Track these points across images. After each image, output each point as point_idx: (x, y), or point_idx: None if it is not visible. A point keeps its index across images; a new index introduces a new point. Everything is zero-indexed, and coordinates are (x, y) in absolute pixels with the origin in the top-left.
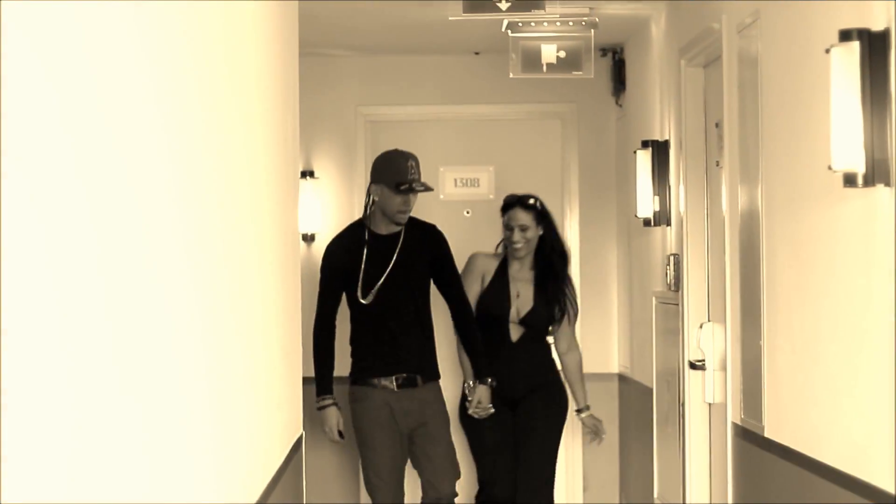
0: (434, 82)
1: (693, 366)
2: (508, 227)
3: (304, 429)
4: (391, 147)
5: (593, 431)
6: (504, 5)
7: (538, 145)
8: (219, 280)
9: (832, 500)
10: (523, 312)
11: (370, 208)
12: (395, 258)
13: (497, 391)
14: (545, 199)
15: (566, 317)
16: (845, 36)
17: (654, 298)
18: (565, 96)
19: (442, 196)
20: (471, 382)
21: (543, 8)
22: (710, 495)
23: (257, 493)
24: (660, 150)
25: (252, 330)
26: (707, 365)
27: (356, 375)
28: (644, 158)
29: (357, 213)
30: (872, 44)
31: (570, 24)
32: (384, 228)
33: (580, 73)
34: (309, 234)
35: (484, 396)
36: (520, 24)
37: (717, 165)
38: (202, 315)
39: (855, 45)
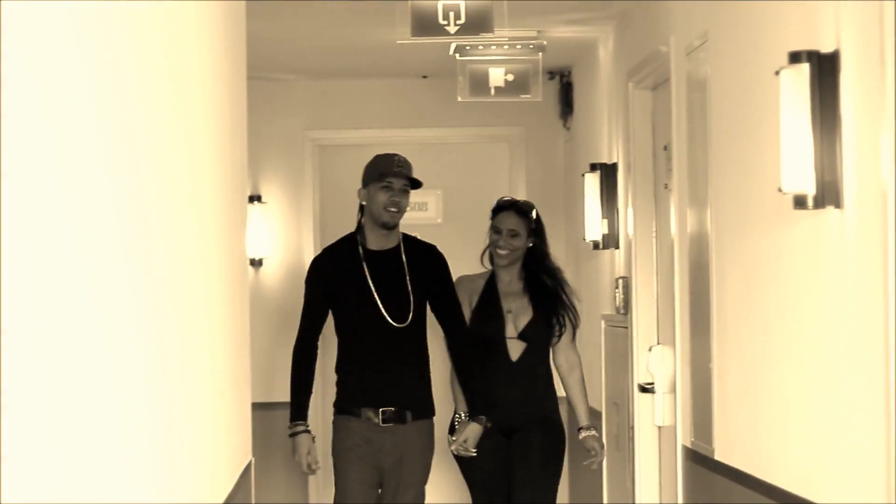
0: (382, 106)
1: (643, 389)
2: (496, 231)
3: (253, 455)
4: (339, 170)
5: (594, 451)
6: (452, 28)
7: (486, 169)
8: (163, 304)
9: None
10: (521, 325)
11: (360, 221)
12: (398, 275)
13: (493, 418)
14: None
15: (566, 329)
16: (795, 58)
17: (602, 321)
18: (513, 119)
19: None
20: (463, 415)
21: (492, 31)
22: None
23: None
24: (608, 173)
25: (198, 355)
26: (657, 388)
27: (340, 404)
28: (592, 181)
29: (306, 239)
30: (822, 65)
31: (518, 47)
32: (375, 242)
33: (528, 96)
34: (257, 259)
35: (472, 436)
36: (468, 48)
37: (666, 188)
38: (144, 340)
39: (804, 67)
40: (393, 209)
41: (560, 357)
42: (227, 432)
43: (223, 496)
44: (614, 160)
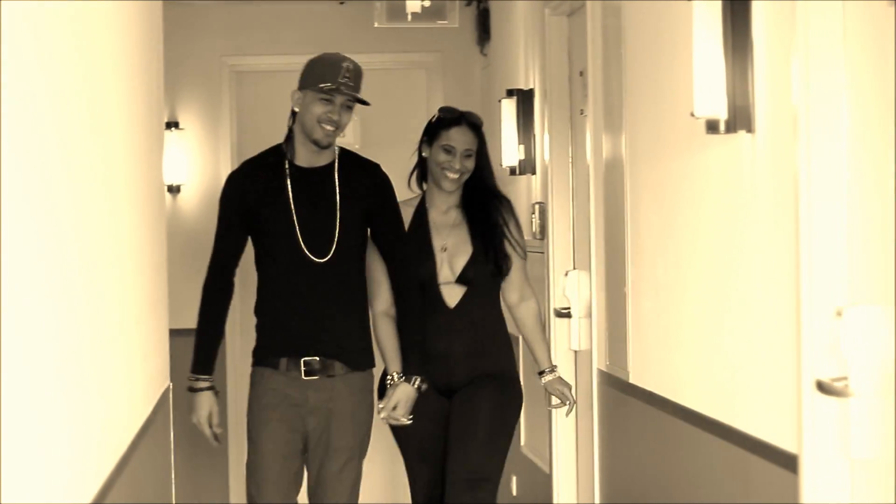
0: (299, 31)
1: (559, 313)
2: (447, 150)
3: (172, 381)
4: (256, 96)
5: (560, 397)
6: None
7: (404, 95)
8: (67, 228)
9: (697, 445)
10: (459, 266)
11: (291, 129)
12: (327, 200)
13: (430, 377)
14: (409, 149)
15: (516, 264)
16: None
17: None
18: (430, 46)
19: None
20: (395, 376)
21: None
22: (577, 441)
23: (124, 444)
24: (524, 100)
25: (109, 280)
26: (573, 312)
27: (257, 354)
28: (509, 107)
29: (223, 166)
30: None
31: None
32: (305, 158)
33: (445, 22)
34: (174, 185)
35: (404, 400)
36: None
37: (582, 114)
38: (51, 264)
39: None
40: (329, 126)
41: (512, 294)
42: (143, 357)
43: (141, 420)
44: (531, 86)
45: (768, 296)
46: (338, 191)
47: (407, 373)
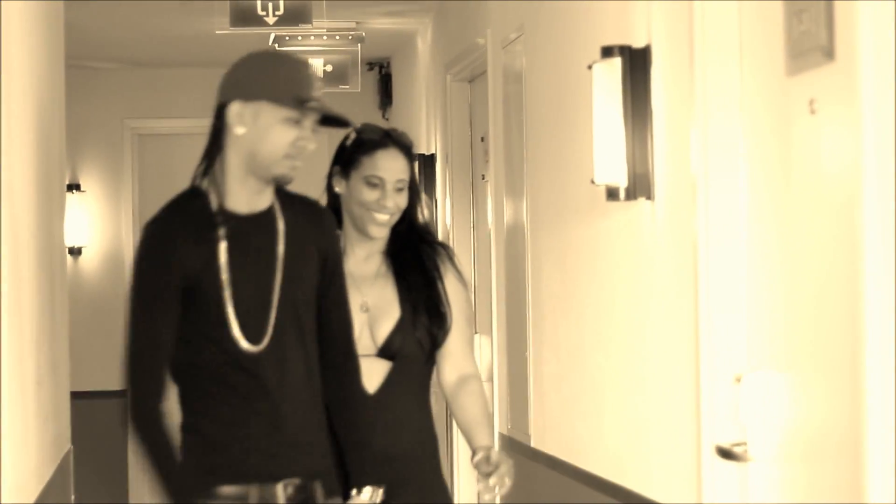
0: (202, 95)
1: None
2: (371, 184)
3: (72, 444)
4: (158, 159)
5: (498, 475)
6: (271, 19)
7: (306, 159)
8: None
9: None
10: (381, 336)
11: (216, 159)
12: (279, 258)
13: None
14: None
15: (454, 327)
16: (607, 52)
17: None
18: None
19: None
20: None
21: (310, 22)
22: None
23: None
24: (426, 164)
25: (12, 343)
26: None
27: (195, 479)
28: None
29: (125, 228)
30: (633, 60)
31: (337, 38)
32: (243, 201)
33: (347, 86)
34: (76, 247)
35: None
36: (287, 38)
37: (483, 179)
38: None
39: (617, 62)
40: (295, 158)
41: (450, 373)
42: (44, 420)
43: (41, 483)
44: (432, 151)
45: (669, 361)
46: (293, 240)
47: (361, 480)
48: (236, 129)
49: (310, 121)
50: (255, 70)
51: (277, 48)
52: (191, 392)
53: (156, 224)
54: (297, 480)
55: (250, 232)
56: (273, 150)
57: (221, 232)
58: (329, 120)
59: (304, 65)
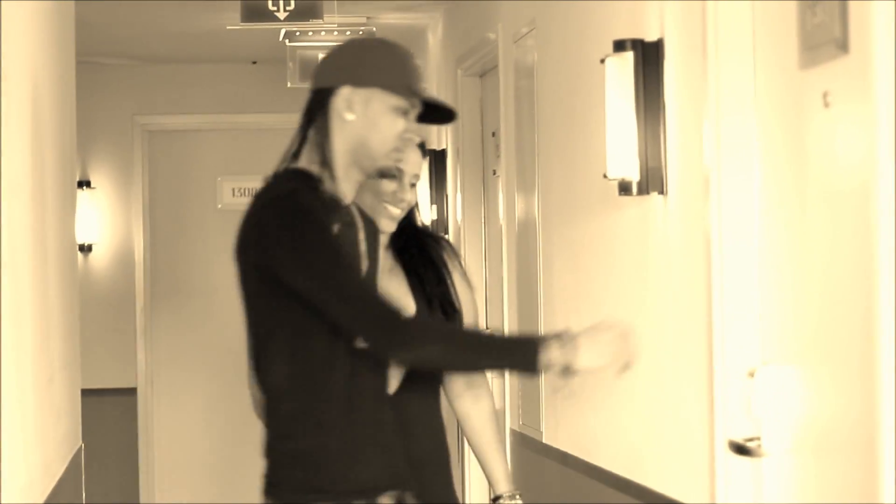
0: (211, 91)
1: None
2: (389, 174)
3: (83, 441)
4: (168, 156)
5: None
6: (282, 15)
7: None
8: None
9: (608, 503)
10: None
11: (324, 145)
12: (363, 254)
13: None
14: None
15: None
16: (619, 46)
17: None
18: None
19: (219, 205)
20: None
21: (321, 17)
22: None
23: (38, 502)
24: (437, 160)
25: (24, 340)
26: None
27: (303, 485)
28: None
29: (135, 225)
30: (646, 54)
31: (348, 33)
32: (349, 191)
33: None
34: (86, 244)
35: None
36: (297, 34)
37: (494, 174)
38: None
39: (629, 56)
40: (400, 151)
41: (457, 379)
42: (55, 418)
43: (53, 481)
44: (443, 146)
45: (681, 356)
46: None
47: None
48: (346, 114)
49: (414, 113)
50: (366, 56)
51: (289, 43)
52: (320, 377)
53: (296, 195)
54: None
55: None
56: (383, 140)
57: (349, 218)
58: (428, 116)
59: (411, 56)
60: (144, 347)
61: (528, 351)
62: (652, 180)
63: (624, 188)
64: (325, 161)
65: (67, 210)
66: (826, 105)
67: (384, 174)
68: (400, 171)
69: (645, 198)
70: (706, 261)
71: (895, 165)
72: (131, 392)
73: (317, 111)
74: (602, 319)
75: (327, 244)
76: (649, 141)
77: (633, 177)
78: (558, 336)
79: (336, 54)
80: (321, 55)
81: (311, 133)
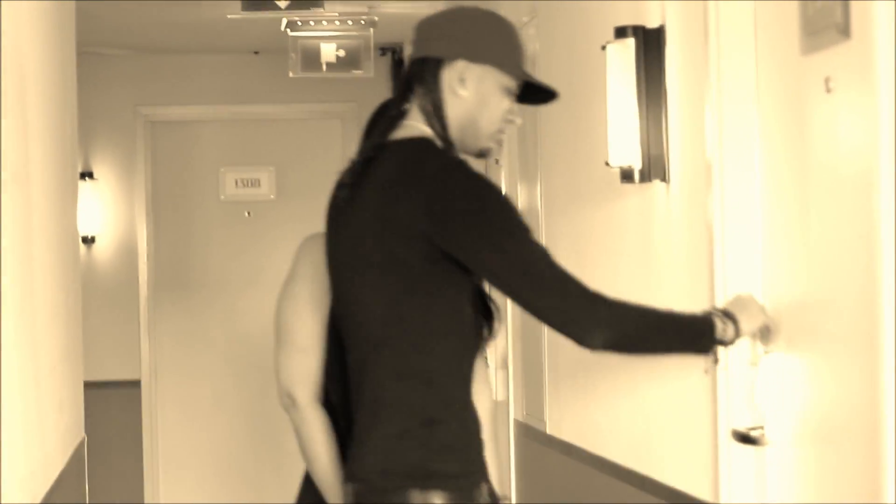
0: (214, 82)
1: None
2: (484, 155)
3: (86, 433)
4: (171, 147)
5: None
6: (283, 3)
7: (319, 145)
8: None
9: (614, 495)
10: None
11: (443, 119)
12: None
13: None
14: (323, 199)
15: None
16: (620, 33)
17: None
18: (346, 96)
19: (222, 197)
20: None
21: (322, 6)
22: None
23: (38, 496)
24: None
25: (25, 331)
26: (489, 363)
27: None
28: None
29: (138, 217)
30: (647, 40)
31: (350, 23)
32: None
33: (360, 72)
34: (89, 236)
35: None
36: (299, 23)
37: (497, 163)
38: None
39: (630, 42)
40: (502, 132)
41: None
42: (58, 409)
43: (55, 473)
44: None
45: None
46: None
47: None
48: (459, 89)
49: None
50: (481, 30)
51: (290, 33)
52: (457, 373)
53: (468, 165)
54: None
55: None
56: (491, 120)
57: None
58: (525, 96)
59: (519, 33)
60: (148, 339)
61: (706, 332)
62: (654, 168)
63: (626, 176)
64: (445, 136)
65: (69, 201)
66: (828, 91)
67: (482, 154)
68: (492, 152)
69: (647, 185)
70: (709, 248)
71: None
72: (135, 384)
73: (423, 80)
74: (735, 293)
75: (521, 224)
76: (651, 128)
77: (636, 164)
78: (717, 312)
79: (446, 23)
80: (323, 45)
81: (417, 102)
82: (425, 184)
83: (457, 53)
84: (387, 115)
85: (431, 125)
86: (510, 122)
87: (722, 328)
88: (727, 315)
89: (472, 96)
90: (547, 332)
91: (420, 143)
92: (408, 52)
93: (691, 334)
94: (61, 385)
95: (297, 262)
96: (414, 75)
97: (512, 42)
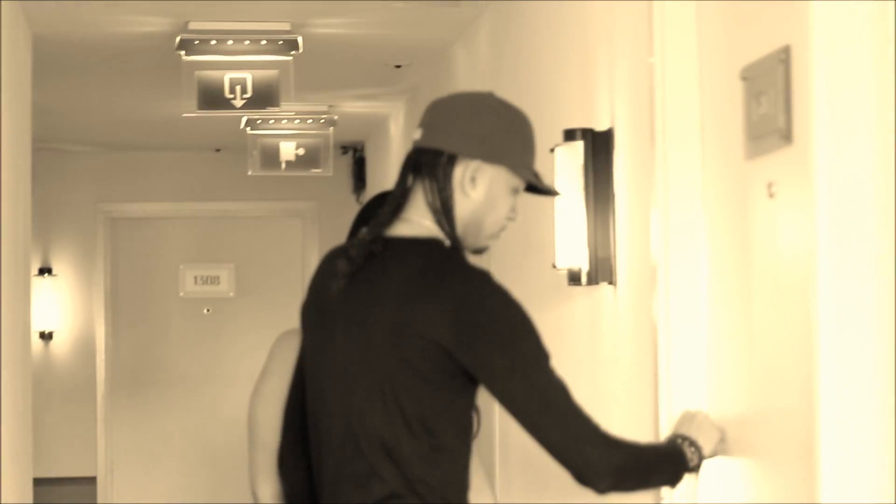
0: (174, 179)
1: None
2: (479, 252)
3: None
4: (130, 243)
5: None
6: (238, 102)
7: (279, 243)
8: None
9: None
10: None
11: (451, 219)
12: None
13: None
14: (285, 297)
15: None
16: (570, 135)
17: None
18: (306, 194)
19: (182, 293)
20: None
21: (278, 105)
22: None
23: None
24: None
25: None
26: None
27: None
28: None
29: (97, 312)
30: (596, 143)
31: (309, 121)
32: None
33: (319, 170)
34: (47, 332)
35: None
36: (259, 122)
37: None
38: None
39: (579, 145)
40: (503, 231)
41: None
42: None
43: None
44: None
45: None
46: None
47: None
48: (471, 190)
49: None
50: (502, 128)
51: (250, 131)
52: (460, 456)
53: (500, 285)
54: None
55: None
56: (496, 220)
57: None
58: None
59: (532, 130)
60: (105, 435)
61: (681, 464)
62: (601, 270)
63: (573, 278)
64: (453, 236)
65: (21, 298)
66: (770, 195)
67: (478, 252)
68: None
69: (594, 287)
70: (653, 351)
71: (835, 254)
72: (91, 481)
73: (433, 174)
74: (684, 411)
75: (545, 353)
76: (599, 230)
77: (583, 266)
78: (680, 438)
79: (465, 115)
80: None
81: (423, 195)
82: (452, 299)
83: (472, 152)
84: (388, 206)
85: (439, 223)
86: (511, 220)
87: (689, 456)
88: (688, 441)
89: (481, 197)
90: (498, 431)
91: (436, 247)
92: (368, 150)
93: (674, 469)
94: (11, 482)
95: (269, 358)
96: (423, 166)
97: (527, 142)
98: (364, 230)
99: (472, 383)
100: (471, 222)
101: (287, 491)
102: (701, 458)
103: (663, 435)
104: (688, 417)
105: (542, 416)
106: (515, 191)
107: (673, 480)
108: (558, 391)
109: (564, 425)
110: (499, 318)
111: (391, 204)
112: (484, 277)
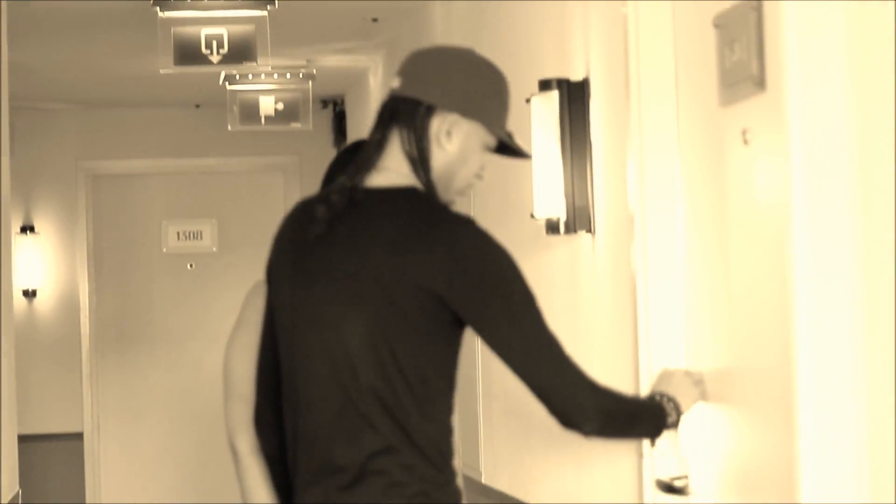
0: (155, 135)
1: None
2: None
3: (21, 487)
4: (112, 200)
5: None
6: (215, 58)
7: (261, 197)
8: None
9: None
10: None
11: (428, 170)
12: None
13: None
14: (265, 251)
15: None
16: (545, 85)
17: None
18: (287, 148)
19: (165, 249)
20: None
21: (255, 60)
22: None
23: None
24: None
25: None
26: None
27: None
28: None
29: (80, 270)
30: (571, 93)
31: (288, 76)
32: None
33: (298, 124)
34: (30, 289)
35: None
36: (237, 77)
37: None
38: None
39: (554, 95)
40: (471, 188)
41: None
42: None
43: None
44: None
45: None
46: None
47: None
48: (446, 143)
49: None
50: (480, 84)
51: (229, 87)
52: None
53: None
54: None
55: None
56: (467, 176)
57: None
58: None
59: (509, 88)
60: (90, 392)
61: (662, 419)
62: (579, 219)
63: (551, 227)
64: (429, 185)
65: (3, 255)
66: (745, 142)
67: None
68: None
69: (573, 236)
70: (632, 298)
71: (810, 200)
72: (78, 437)
73: (411, 124)
74: (662, 369)
75: (536, 302)
76: (576, 180)
77: (561, 216)
78: (660, 396)
79: (445, 68)
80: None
81: (400, 145)
82: (444, 247)
83: (453, 106)
84: (366, 153)
85: (416, 173)
86: (479, 178)
87: (668, 412)
88: (667, 397)
89: (455, 151)
90: (482, 381)
91: (420, 196)
92: (348, 103)
93: (655, 422)
94: None
95: (243, 308)
96: (400, 115)
97: (503, 100)
98: (343, 178)
99: (460, 333)
100: (442, 175)
101: (266, 449)
102: (679, 414)
103: (643, 382)
104: (666, 375)
105: (534, 360)
106: (488, 148)
107: (654, 433)
108: (551, 340)
109: (556, 369)
110: (491, 265)
111: (369, 151)
112: (472, 224)
